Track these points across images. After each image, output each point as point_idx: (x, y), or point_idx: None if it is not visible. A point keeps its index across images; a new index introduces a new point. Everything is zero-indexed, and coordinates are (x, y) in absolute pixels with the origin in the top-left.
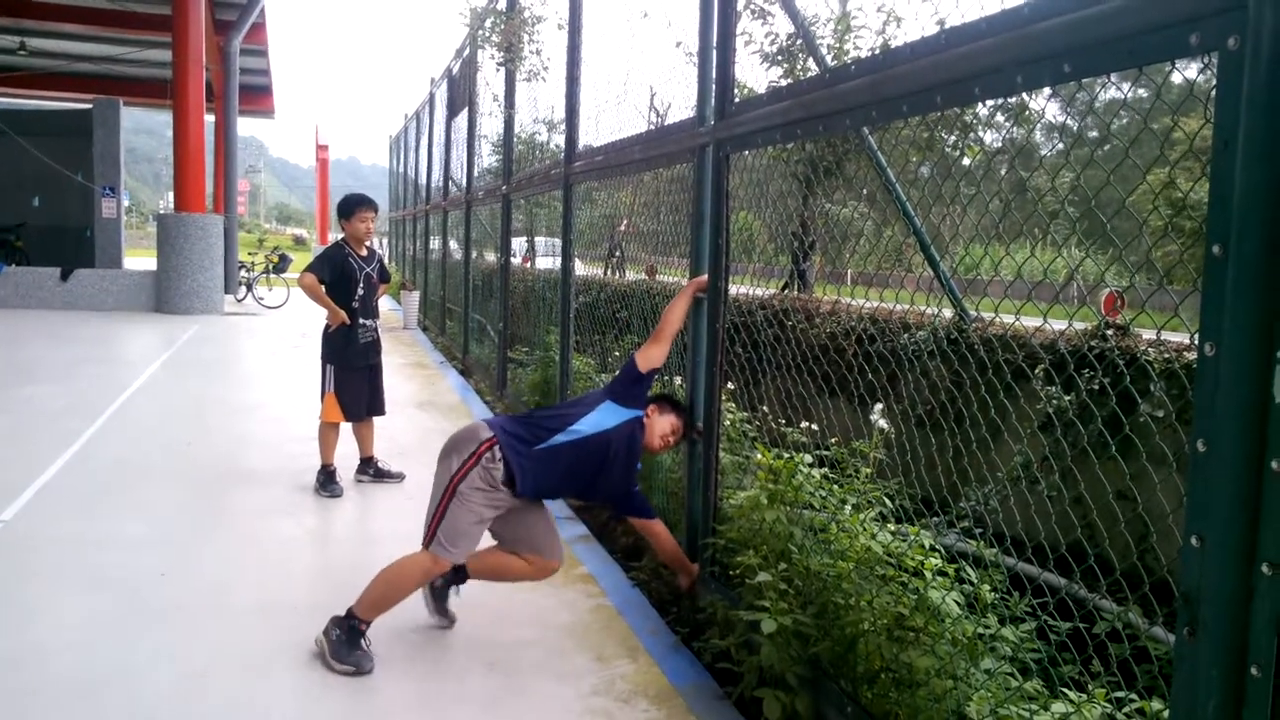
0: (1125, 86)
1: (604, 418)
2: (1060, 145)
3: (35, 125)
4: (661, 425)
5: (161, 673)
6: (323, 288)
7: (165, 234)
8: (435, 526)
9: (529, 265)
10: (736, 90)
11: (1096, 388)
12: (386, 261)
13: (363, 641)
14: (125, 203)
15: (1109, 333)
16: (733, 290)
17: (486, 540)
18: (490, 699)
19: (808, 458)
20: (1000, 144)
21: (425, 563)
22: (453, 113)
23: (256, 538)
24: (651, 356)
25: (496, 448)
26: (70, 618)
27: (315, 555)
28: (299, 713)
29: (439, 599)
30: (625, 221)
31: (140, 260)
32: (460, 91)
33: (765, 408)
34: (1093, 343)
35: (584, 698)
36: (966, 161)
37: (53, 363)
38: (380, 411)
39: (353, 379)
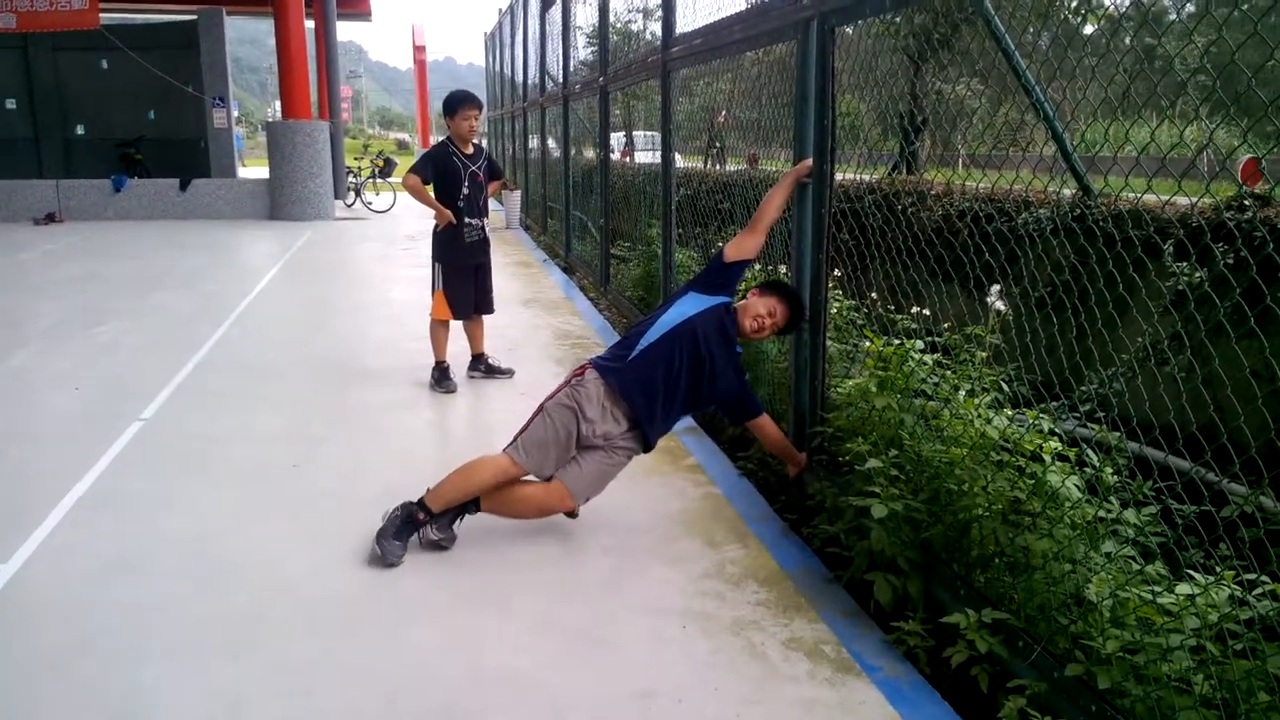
0: None
1: (686, 307)
2: (1191, 8)
3: (144, 39)
4: (755, 306)
5: (296, 558)
6: (428, 188)
7: (275, 142)
8: (518, 435)
9: (628, 160)
10: None
11: (1232, 261)
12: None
13: (418, 533)
14: (235, 113)
15: (1247, 202)
16: (837, 177)
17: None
18: (606, 581)
19: (919, 344)
20: (1126, 7)
21: (501, 461)
22: (546, 3)
23: (378, 431)
24: (744, 246)
25: (589, 371)
26: (209, 507)
27: (434, 447)
28: (423, 595)
29: (444, 525)
30: (724, 112)
31: (253, 170)
32: None
33: (874, 294)
34: (1228, 214)
35: (696, 580)
36: (1089, 29)
37: (179, 270)
38: (488, 310)
39: (459, 277)
